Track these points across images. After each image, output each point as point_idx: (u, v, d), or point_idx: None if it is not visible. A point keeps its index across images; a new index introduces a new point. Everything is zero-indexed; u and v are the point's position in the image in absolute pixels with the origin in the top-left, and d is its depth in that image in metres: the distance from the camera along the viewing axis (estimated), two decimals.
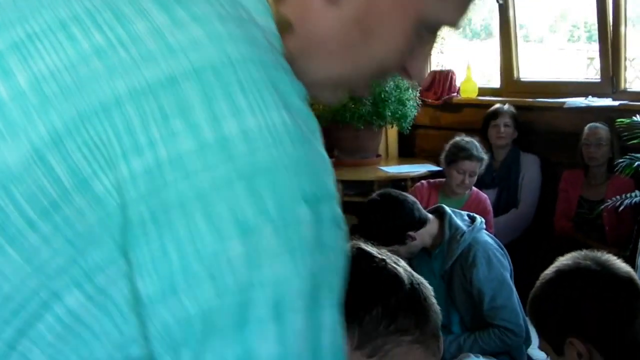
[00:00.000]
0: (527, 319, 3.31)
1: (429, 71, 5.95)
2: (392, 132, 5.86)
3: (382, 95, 5.20)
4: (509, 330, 3.23)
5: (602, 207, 4.41)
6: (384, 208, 3.27)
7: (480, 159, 4.36)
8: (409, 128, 5.46)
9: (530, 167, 5.18)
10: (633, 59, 5.21)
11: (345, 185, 5.40)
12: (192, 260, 0.65)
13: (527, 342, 3.37)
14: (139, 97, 0.67)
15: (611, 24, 5.02)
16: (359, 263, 1.27)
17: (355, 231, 5.21)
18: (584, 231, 4.73)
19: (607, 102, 5.00)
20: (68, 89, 0.68)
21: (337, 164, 5.59)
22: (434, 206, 3.51)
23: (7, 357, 0.69)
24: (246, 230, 0.66)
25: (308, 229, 0.69)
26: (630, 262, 2.97)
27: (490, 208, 4.53)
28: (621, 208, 4.19)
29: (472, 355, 3.22)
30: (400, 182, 5.40)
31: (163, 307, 0.66)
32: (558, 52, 5.96)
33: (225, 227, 0.66)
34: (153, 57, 0.68)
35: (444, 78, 5.79)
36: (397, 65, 0.84)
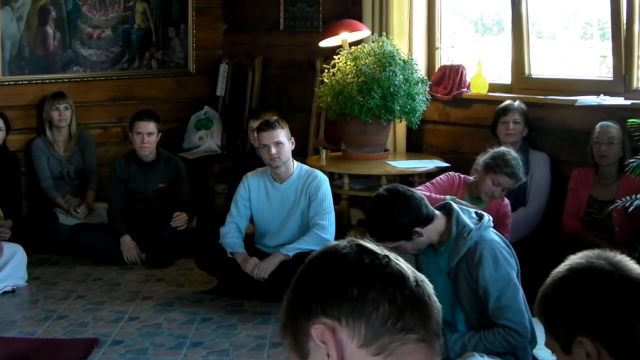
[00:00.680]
0: (532, 319, 3.28)
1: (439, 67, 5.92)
2: (401, 127, 5.83)
3: (392, 89, 5.16)
4: (514, 330, 3.20)
5: (612, 207, 4.37)
6: (391, 203, 3.25)
7: (519, 180, 4.33)
8: (418, 123, 5.42)
9: (539, 165, 5.14)
10: None
11: (352, 180, 5.38)
12: None
13: (533, 342, 3.34)
14: None
15: (625, 22, 4.98)
16: (362, 259, 1.25)
17: (361, 225, 5.20)
18: (593, 231, 4.69)
19: (619, 101, 4.96)
20: None
21: (345, 158, 5.56)
22: (441, 203, 3.48)
23: None
24: None
25: None
26: None
27: (510, 214, 4.51)
28: (631, 209, 4.15)
29: (476, 355, 3.20)
30: (408, 178, 5.37)
31: None
32: (570, 49, 5.90)
33: None
34: None
35: (455, 73, 5.75)
36: None
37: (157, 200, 5.77)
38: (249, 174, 4.92)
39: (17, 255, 5.03)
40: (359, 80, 5.20)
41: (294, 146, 4.81)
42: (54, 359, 3.93)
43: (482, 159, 4.37)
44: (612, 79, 5.16)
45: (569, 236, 4.76)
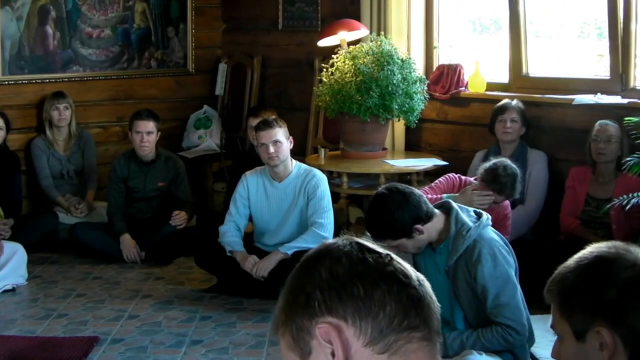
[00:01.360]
0: (530, 317, 3.30)
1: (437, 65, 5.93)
2: (399, 126, 5.84)
3: (390, 88, 5.17)
4: (512, 328, 3.21)
5: (610, 205, 4.39)
6: (392, 201, 3.26)
7: (510, 196, 4.34)
8: (416, 122, 5.43)
9: (537, 163, 5.16)
10: None
11: (351, 178, 5.39)
12: None
13: (531, 340, 3.35)
14: None
15: (622, 21, 4.99)
16: (365, 257, 1.24)
17: (360, 223, 5.22)
18: (590, 229, 4.70)
19: (616, 99, 4.97)
20: None
21: (343, 157, 5.58)
22: (440, 201, 3.50)
23: None
24: None
25: None
26: None
27: (510, 215, 4.52)
28: (628, 207, 4.17)
29: (475, 353, 3.22)
30: (406, 176, 5.39)
31: None
32: (568, 48, 5.91)
33: None
34: None
35: (452, 72, 5.76)
36: None
37: (157, 199, 5.78)
38: (247, 172, 4.93)
39: (17, 254, 5.05)
40: (358, 79, 5.21)
41: (292, 145, 4.82)
42: (54, 357, 3.93)
43: (482, 166, 4.38)
44: (609, 77, 5.17)
45: (567, 234, 4.78)
